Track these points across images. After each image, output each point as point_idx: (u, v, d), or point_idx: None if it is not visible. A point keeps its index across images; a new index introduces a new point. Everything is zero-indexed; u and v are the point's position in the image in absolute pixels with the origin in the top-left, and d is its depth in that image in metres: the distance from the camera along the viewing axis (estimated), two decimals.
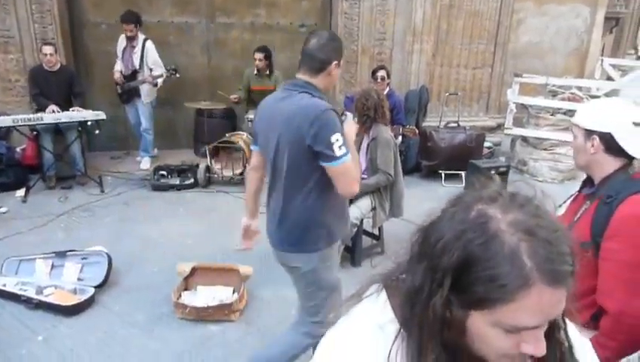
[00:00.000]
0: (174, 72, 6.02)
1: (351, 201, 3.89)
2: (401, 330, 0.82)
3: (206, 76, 6.99)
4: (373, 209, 3.95)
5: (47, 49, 5.44)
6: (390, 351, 0.80)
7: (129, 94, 6.11)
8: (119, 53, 6.08)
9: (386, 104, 3.97)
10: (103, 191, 5.46)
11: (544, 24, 7.38)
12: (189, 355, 3.00)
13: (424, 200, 4.70)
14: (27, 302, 3.36)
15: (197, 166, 5.85)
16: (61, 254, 3.70)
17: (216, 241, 4.41)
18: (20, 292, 3.42)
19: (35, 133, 5.45)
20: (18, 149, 5.75)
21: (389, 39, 6.76)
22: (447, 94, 6.77)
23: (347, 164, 2.06)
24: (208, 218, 4.96)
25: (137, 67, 6.00)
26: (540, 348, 0.75)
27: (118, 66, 6.10)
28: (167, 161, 6.20)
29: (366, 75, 6.53)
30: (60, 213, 4.89)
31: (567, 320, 0.87)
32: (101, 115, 5.51)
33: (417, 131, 6.21)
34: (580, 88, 6.66)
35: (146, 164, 6.27)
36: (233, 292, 3.49)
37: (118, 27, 6.05)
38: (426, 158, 6.18)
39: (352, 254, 4.12)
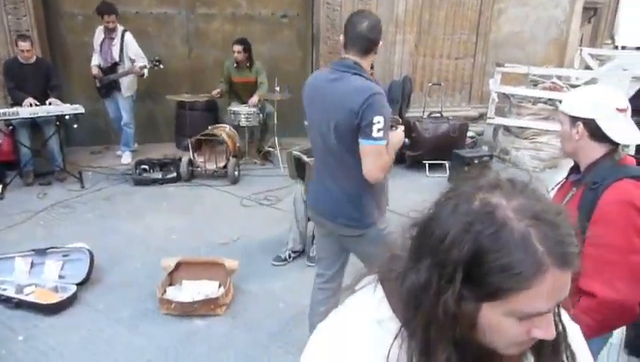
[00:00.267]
0: (158, 63, 5.91)
1: None
2: (402, 329, 0.79)
3: (187, 68, 6.88)
4: None
5: (24, 45, 5.27)
6: (390, 351, 0.78)
7: (109, 88, 5.99)
8: (96, 47, 5.94)
9: None
10: (83, 187, 5.35)
11: (524, 14, 7.42)
12: (174, 351, 2.96)
13: (409, 190, 4.70)
14: (6, 301, 3.28)
15: (179, 159, 5.77)
16: (41, 252, 3.62)
17: (201, 235, 4.37)
18: None
19: (10, 127, 5.29)
20: None
21: None
22: (430, 85, 6.78)
23: (379, 147, 2.16)
24: (192, 212, 4.90)
25: (117, 59, 5.88)
26: (550, 331, 0.75)
27: (96, 60, 5.96)
28: (148, 155, 6.11)
29: None
30: (38, 210, 4.78)
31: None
32: (79, 109, 5.38)
33: (400, 121, 6.20)
34: (560, 77, 6.72)
35: (127, 158, 6.16)
36: (219, 287, 3.45)
37: (95, 18, 5.92)
38: (410, 149, 6.17)
39: None
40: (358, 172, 2.22)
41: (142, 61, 5.88)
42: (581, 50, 8.74)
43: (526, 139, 6.45)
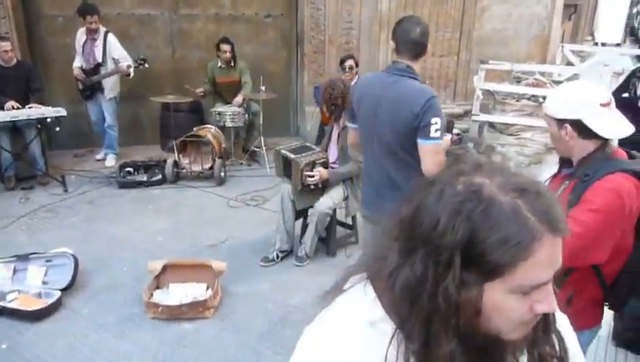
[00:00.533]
0: (143, 62, 5.84)
1: (323, 189, 3.87)
2: (397, 330, 0.77)
3: (171, 69, 6.82)
4: (346, 198, 3.93)
5: (4, 45, 5.18)
6: (387, 355, 0.76)
7: (92, 90, 5.90)
8: (78, 48, 5.85)
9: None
10: (66, 191, 5.27)
11: (507, 11, 7.47)
12: (163, 356, 2.92)
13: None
14: None
15: (164, 161, 5.71)
16: (23, 257, 3.55)
17: (188, 237, 4.33)
18: None
19: None
20: None
21: (356, 29, 6.73)
22: None
23: (438, 146, 2.34)
24: (178, 214, 4.85)
25: (100, 61, 5.80)
26: (552, 303, 0.76)
27: (78, 62, 5.87)
28: (133, 157, 6.03)
29: (334, 65, 6.48)
30: (21, 215, 4.69)
31: None
32: (61, 112, 5.30)
33: None
34: (543, 74, 6.79)
35: (111, 161, 6.08)
36: (207, 289, 3.41)
37: (76, 20, 5.83)
38: None
39: (327, 244, 4.10)
40: (416, 171, 2.33)
41: (126, 62, 5.80)
42: (563, 46, 8.87)
43: (511, 135, 6.50)
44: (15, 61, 5.36)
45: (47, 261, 3.56)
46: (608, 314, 1.98)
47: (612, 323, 2.88)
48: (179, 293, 3.35)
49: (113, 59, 5.81)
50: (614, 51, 10.44)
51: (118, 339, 3.06)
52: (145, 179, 5.55)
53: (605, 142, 1.65)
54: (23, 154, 5.34)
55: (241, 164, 6.22)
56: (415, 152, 2.37)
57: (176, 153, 5.67)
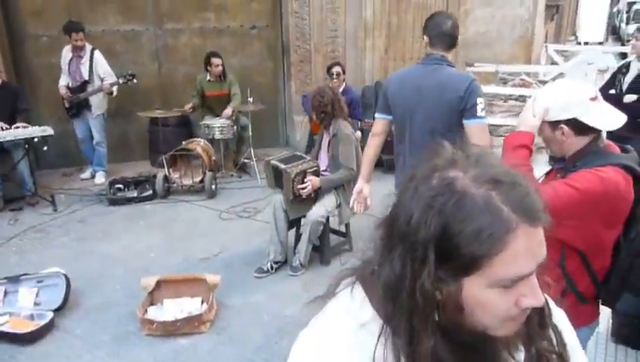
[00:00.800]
0: (131, 78, 5.81)
1: (316, 198, 3.86)
2: (385, 327, 0.77)
3: (157, 84, 6.80)
4: (339, 206, 3.91)
5: None
6: (375, 351, 0.75)
7: (78, 107, 5.86)
8: (64, 66, 5.82)
9: (342, 98, 3.97)
10: (56, 210, 5.21)
11: (490, 14, 7.55)
12: None
13: (389, 194, 4.70)
14: None
15: (154, 176, 5.67)
16: (14, 279, 3.49)
17: (181, 252, 4.29)
18: None
19: None
20: None
21: (341, 36, 6.77)
22: None
23: (484, 124, 2.53)
24: (170, 229, 4.81)
25: (87, 78, 5.77)
26: (539, 297, 0.74)
27: (64, 80, 5.84)
28: (122, 173, 5.98)
29: (321, 74, 6.50)
30: (10, 237, 4.63)
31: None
32: (48, 131, 5.25)
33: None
34: (528, 74, 6.86)
35: (100, 178, 6.03)
36: (202, 303, 3.38)
37: (60, 39, 5.81)
38: (386, 152, 6.19)
39: (321, 253, 4.07)
40: None
41: (111, 79, 5.78)
42: (546, 46, 8.98)
43: (499, 136, 6.53)
44: (1, 82, 5.32)
45: (39, 281, 3.50)
46: (607, 312, 1.99)
47: (610, 320, 2.89)
48: (173, 309, 3.31)
49: (99, 76, 5.78)
50: (598, 50, 10.58)
51: (113, 358, 3.01)
52: (135, 195, 5.51)
53: (597, 136, 1.65)
54: (10, 175, 5.29)
55: (232, 176, 6.19)
56: (457, 134, 2.51)
57: (166, 168, 5.64)
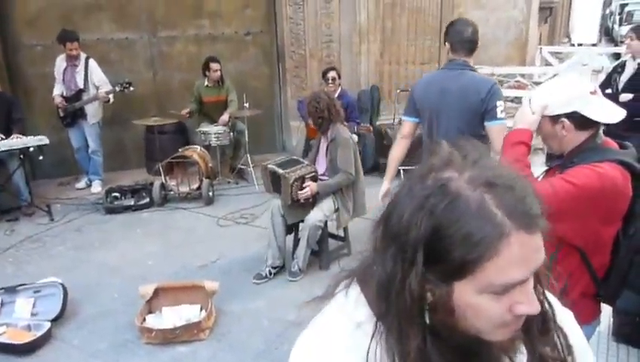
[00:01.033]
0: (128, 86, 5.80)
1: (314, 203, 3.85)
2: (379, 325, 0.76)
3: (153, 92, 6.79)
4: (337, 210, 3.90)
5: None
6: (369, 349, 0.74)
7: (73, 116, 5.84)
8: (58, 75, 5.80)
9: (337, 102, 3.97)
10: (52, 220, 5.18)
11: (484, 17, 7.57)
12: None
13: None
14: None
15: (151, 184, 5.65)
16: (10, 290, 3.46)
17: (178, 259, 4.27)
18: None
19: None
20: None
21: (336, 41, 6.77)
22: (399, 91, 6.82)
23: (504, 126, 2.65)
24: (168, 236, 4.79)
25: (82, 87, 5.75)
26: (534, 305, 0.71)
27: (58, 90, 5.81)
28: (119, 182, 5.96)
29: (316, 79, 6.51)
30: (6, 247, 4.59)
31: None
32: (44, 140, 5.22)
33: (372, 129, 6.25)
34: (523, 75, 6.88)
35: (96, 187, 6.01)
36: (200, 310, 3.35)
37: (55, 48, 5.80)
38: (384, 156, 6.18)
39: (320, 258, 4.06)
40: None
41: (106, 87, 5.77)
42: (541, 48, 9.02)
43: None
44: None
45: (36, 292, 3.47)
46: (607, 311, 1.98)
47: (610, 319, 2.88)
48: (172, 316, 3.28)
49: (94, 84, 5.77)
50: (592, 51, 10.63)
51: None
52: (132, 203, 5.48)
53: (595, 132, 1.65)
54: (6, 185, 5.25)
55: (229, 182, 6.18)
56: (481, 136, 2.64)
57: (162, 175, 5.61)
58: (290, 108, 6.99)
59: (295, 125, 6.77)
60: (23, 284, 3.52)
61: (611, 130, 1.68)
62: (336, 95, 5.15)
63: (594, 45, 16.48)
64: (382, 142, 6.24)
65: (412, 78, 7.00)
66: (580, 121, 1.62)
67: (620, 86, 4.25)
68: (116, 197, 5.54)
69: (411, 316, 0.71)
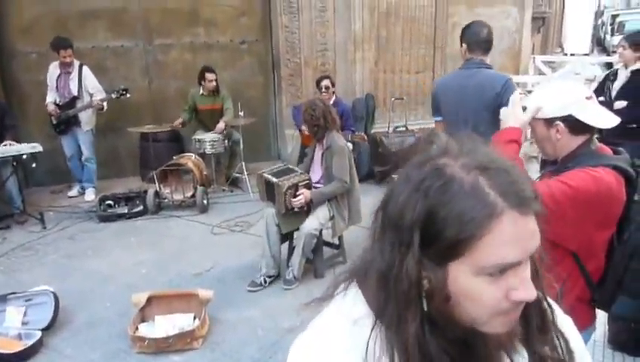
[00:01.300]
0: (124, 92, 5.78)
1: (308, 211, 3.83)
2: (377, 321, 0.75)
3: (148, 100, 6.77)
4: (332, 218, 3.89)
5: None
6: (368, 345, 0.74)
7: (67, 124, 5.81)
8: (51, 83, 5.77)
9: (333, 110, 3.97)
10: (45, 228, 5.14)
11: None
12: None
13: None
14: None
15: (145, 192, 5.62)
16: (1, 298, 3.42)
17: (172, 268, 4.24)
18: None
19: None
20: None
21: (331, 50, 6.80)
22: (393, 99, 6.85)
23: None
24: (161, 244, 4.75)
25: (76, 94, 5.73)
26: (530, 291, 0.71)
27: (51, 97, 5.78)
28: (112, 190, 5.93)
29: (311, 87, 6.52)
30: None
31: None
32: (37, 148, 5.19)
33: (366, 137, 6.26)
34: (517, 84, 6.91)
35: (90, 195, 5.96)
36: (194, 319, 3.32)
37: (49, 55, 5.78)
38: (379, 164, 6.22)
39: (314, 266, 4.04)
40: None
41: (100, 94, 5.76)
42: (534, 58, 9.08)
43: None
44: None
45: (27, 300, 3.43)
46: (603, 319, 1.97)
47: (606, 327, 2.88)
48: (165, 325, 3.24)
49: (88, 91, 5.76)
50: (584, 60, 10.72)
51: None
52: (126, 211, 5.45)
53: (590, 138, 1.65)
54: None
55: (224, 190, 6.15)
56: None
57: (157, 183, 5.59)
58: (285, 117, 6.99)
59: (290, 133, 6.77)
60: (14, 293, 3.48)
61: (605, 136, 1.68)
62: (330, 103, 5.15)
63: (586, 55, 16.63)
64: (377, 150, 6.25)
65: (407, 87, 7.05)
66: (574, 125, 1.62)
67: (613, 94, 4.29)
68: (110, 205, 5.51)
69: (409, 300, 0.72)
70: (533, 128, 1.71)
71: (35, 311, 3.40)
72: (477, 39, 2.96)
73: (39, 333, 3.22)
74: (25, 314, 3.37)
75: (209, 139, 5.85)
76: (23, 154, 5.11)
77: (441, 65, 7.27)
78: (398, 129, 6.47)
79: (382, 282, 0.75)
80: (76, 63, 5.74)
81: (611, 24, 19.73)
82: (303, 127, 5.18)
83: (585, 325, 1.74)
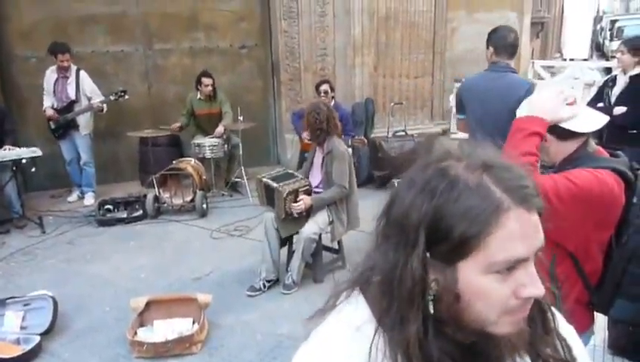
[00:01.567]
0: (123, 94, 5.79)
1: (307, 216, 3.83)
2: (378, 327, 0.75)
3: (147, 105, 6.78)
4: (331, 223, 3.88)
5: None
6: (370, 350, 0.74)
7: (65, 128, 5.81)
8: (48, 87, 5.76)
9: (336, 115, 3.98)
10: (44, 232, 5.13)
11: (476, 31, 7.63)
12: None
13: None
14: None
15: (144, 196, 5.62)
16: (0, 303, 3.41)
17: (171, 272, 4.23)
18: None
19: None
20: None
21: (331, 55, 6.81)
22: (392, 104, 6.86)
23: None
24: (161, 249, 4.75)
25: (74, 98, 5.74)
26: (538, 286, 0.72)
27: (48, 102, 5.77)
28: (112, 194, 5.93)
29: (310, 92, 6.53)
30: None
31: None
32: (37, 152, 5.19)
33: (366, 141, 6.27)
34: None
35: (89, 199, 5.96)
36: (193, 323, 3.31)
37: (48, 60, 5.78)
38: (378, 169, 6.22)
39: (314, 271, 4.03)
40: None
41: (98, 97, 5.77)
42: (533, 62, 9.11)
43: None
44: None
45: (25, 305, 3.42)
46: (603, 323, 1.97)
47: (606, 332, 2.87)
48: (164, 330, 3.23)
49: (86, 95, 5.76)
50: (583, 65, 10.75)
51: None
52: (125, 215, 5.45)
53: (585, 141, 1.65)
54: None
55: (223, 195, 6.15)
56: None
57: (156, 187, 5.59)
58: (284, 121, 7.00)
59: (289, 138, 6.78)
60: (13, 297, 3.47)
61: (606, 142, 1.69)
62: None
63: (585, 60, 16.67)
64: (376, 155, 6.25)
65: (406, 92, 7.06)
66: (559, 132, 1.63)
67: (613, 99, 4.29)
68: (109, 210, 5.50)
69: (412, 301, 0.72)
70: None
71: (34, 315, 3.39)
72: (504, 43, 3.04)
73: (38, 338, 3.21)
74: (23, 319, 3.36)
75: (208, 144, 5.85)
76: (22, 159, 5.11)
77: (440, 70, 7.29)
78: (397, 133, 6.48)
79: (385, 283, 0.75)
80: (73, 68, 5.75)
81: (610, 29, 19.77)
82: (304, 135, 5.20)
83: (583, 328, 1.74)
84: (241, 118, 5.89)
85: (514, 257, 0.69)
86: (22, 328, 3.32)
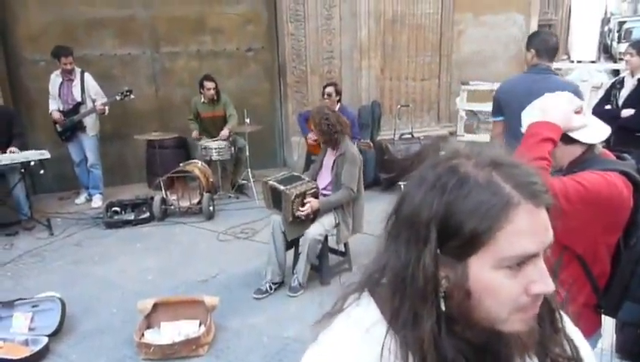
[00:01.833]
0: (128, 94, 5.82)
1: (314, 219, 3.83)
2: (390, 326, 0.75)
3: (155, 107, 6.82)
4: (337, 225, 3.89)
5: None
6: (382, 352, 0.73)
7: (73, 130, 5.86)
8: (54, 91, 5.80)
9: (342, 115, 4.00)
10: (52, 234, 5.16)
11: (483, 33, 7.64)
12: None
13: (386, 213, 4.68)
14: None
15: (152, 199, 5.65)
16: (8, 304, 3.44)
17: (178, 274, 4.25)
18: None
19: None
20: None
21: (337, 57, 6.82)
22: (399, 107, 6.85)
23: None
24: (167, 251, 4.77)
25: (80, 100, 5.78)
26: (548, 283, 0.72)
27: (54, 105, 5.82)
28: (119, 196, 5.96)
29: (317, 94, 6.53)
30: (5, 262, 4.57)
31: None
32: (45, 154, 5.23)
33: (372, 144, 6.27)
34: None
35: (97, 201, 6.00)
36: (199, 326, 3.32)
37: (56, 63, 5.82)
38: (385, 171, 6.21)
39: (320, 273, 4.03)
40: None
41: (102, 99, 5.81)
42: None
43: None
44: None
45: (33, 306, 3.44)
46: (611, 327, 1.95)
47: (614, 336, 2.85)
48: (171, 332, 3.25)
49: (90, 97, 5.81)
50: (591, 67, 10.70)
51: None
52: (132, 217, 5.47)
53: (592, 144, 1.65)
54: (6, 199, 5.24)
55: (230, 197, 6.17)
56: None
57: (163, 190, 5.61)
58: (291, 124, 7.01)
59: (296, 140, 6.79)
60: (21, 299, 3.50)
61: (613, 145, 1.68)
62: (335, 109, 5.15)
63: (593, 62, 16.59)
64: (383, 157, 6.25)
65: (412, 94, 7.05)
66: (565, 139, 1.63)
67: (620, 102, 4.27)
68: (116, 212, 5.53)
69: (425, 298, 0.72)
70: None
71: (42, 317, 3.41)
72: (546, 46, 3.11)
73: (46, 339, 3.23)
74: (32, 320, 3.38)
75: (215, 146, 5.87)
76: (30, 161, 5.15)
77: (446, 73, 7.27)
78: (404, 136, 6.47)
79: (397, 282, 0.75)
80: (78, 70, 5.80)
81: (618, 31, 19.67)
82: (309, 135, 5.21)
83: (591, 331, 1.73)
84: (247, 121, 5.91)
85: (525, 252, 0.70)
86: (30, 329, 3.35)
